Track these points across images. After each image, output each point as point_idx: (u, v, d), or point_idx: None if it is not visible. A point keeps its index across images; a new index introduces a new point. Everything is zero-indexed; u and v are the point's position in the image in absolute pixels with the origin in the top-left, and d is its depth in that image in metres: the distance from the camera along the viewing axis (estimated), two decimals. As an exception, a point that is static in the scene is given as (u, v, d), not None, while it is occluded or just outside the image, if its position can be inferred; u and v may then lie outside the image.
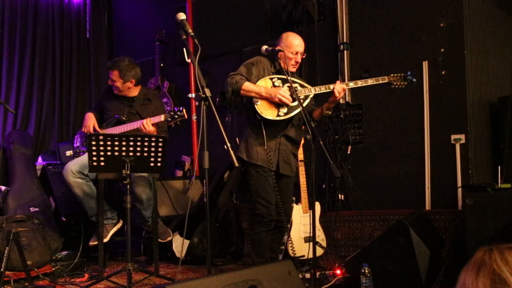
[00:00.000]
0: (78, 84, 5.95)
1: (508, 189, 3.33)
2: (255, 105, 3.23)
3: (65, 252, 3.91)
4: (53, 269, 3.65)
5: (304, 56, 3.44)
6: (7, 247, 3.16)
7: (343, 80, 4.22)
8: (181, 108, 3.60)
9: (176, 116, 3.58)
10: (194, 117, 5.16)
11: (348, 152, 4.22)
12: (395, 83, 3.27)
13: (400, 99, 4.00)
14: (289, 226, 3.82)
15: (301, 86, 3.32)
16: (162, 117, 3.61)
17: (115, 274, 3.51)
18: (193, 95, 5.12)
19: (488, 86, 4.07)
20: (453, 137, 3.74)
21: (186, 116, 3.62)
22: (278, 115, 3.24)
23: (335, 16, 4.30)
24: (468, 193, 3.21)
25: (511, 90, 3.97)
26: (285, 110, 3.25)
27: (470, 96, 3.75)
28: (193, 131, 5.24)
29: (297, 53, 3.37)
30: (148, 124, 3.63)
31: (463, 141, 3.70)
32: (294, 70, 3.42)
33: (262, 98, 3.23)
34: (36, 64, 5.57)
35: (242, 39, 4.90)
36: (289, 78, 3.15)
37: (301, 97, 3.26)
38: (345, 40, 4.25)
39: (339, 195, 4.22)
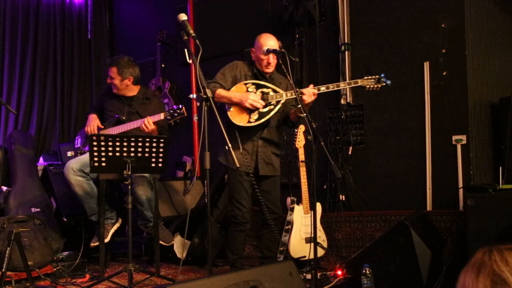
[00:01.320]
0: (79, 85, 5.96)
1: (510, 190, 3.32)
2: (227, 112, 3.28)
3: (66, 253, 3.92)
4: (54, 269, 3.66)
5: (278, 56, 3.36)
6: (8, 248, 3.16)
7: (344, 81, 4.21)
8: (180, 106, 3.60)
9: (176, 114, 3.59)
10: (195, 118, 5.16)
11: (349, 153, 4.22)
12: (368, 86, 3.26)
13: (401, 100, 4.00)
14: (290, 227, 3.83)
15: (274, 91, 3.34)
16: (161, 115, 3.62)
17: (116, 275, 3.51)
18: (195, 95, 5.12)
19: (489, 86, 4.06)
20: (454, 137, 3.74)
21: (185, 114, 3.62)
22: (249, 121, 3.29)
23: (336, 16, 4.30)
24: (469, 194, 3.20)
25: (512, 90, 3.97)
26: (256, 116, 3.28)
27: (471, 96, 3.75)
28: (194, 131, 5.25)
29: (268, 53, 3.35)
30: (149, 123, 3.63)
31: (464, 142, 3.70)
32: (269, 71, 3.41)
33: (234, 104, 3.27)
34: (37, 65, 5.58)
35: (243, 40, 4.89)
36: (290, 76, 3.14)
37: (273, 102, 3.30)
38: (346, 41, 4.25)
39: (340, 196, 4.22)
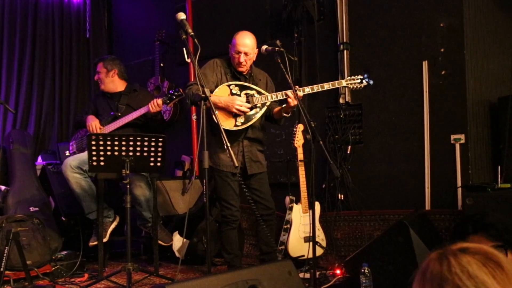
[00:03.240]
0: (78, 84, 5.95)
1: (508, 189, 3.32)
2: (213, 116, 3.21)
3: (65, 252, 3.91)
4: (53, 268, 3.65)
5: (249, 57, 3.33)
6: (7, 247, 3.16)
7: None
8: (177, 89, 3.64)
9: (174, 97, 3.63)
10: (194, 117, 5.16)
11: (348, 152, 4.22)
12: (352, 86, 3.32)
13: (400, 99, 4.00)
14: (288, 226, 3.83)
15: (258, 93, 3.33)
16: (160, 100, 3.67)
17: (115, 274, 3.51)
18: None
19: (488, 86, 4.06)
20: (453, 137, 3.74)
21: (184, 94, 3.64)
22: (235, 125, 3.28)
23: (335, 15, 4.30)
24: (468, 193, 3.20)
25: (511, 90, 3.97)
26: (242, 119, 3.29)
27: (470, 96, 3.75)
28: (193, 131, 5.24)
29: (239, 52, 3.31)
30: (158, 103, 3.66)
31: (463, 141, 3.70)
32: (241, 70, 3.38)
33: (219, 108, 3.23)
34: (36, 64, 5.57)
35: (242, 39, 4.89)
36: (289, 75, 3.13)
37: (258, 105, 3.29)
38: (345, 40, 4.25)
39: (339, 195, 4.22)
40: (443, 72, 3.81)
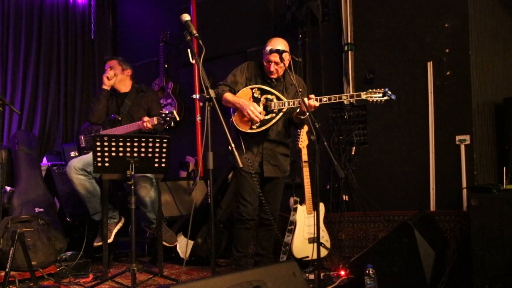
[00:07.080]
0: (82, 85, 5.97)
1: (514, 190, 3.31)
2: (232, 116, 3.35)
3: (70, 253, 3.93)
4: (58, 269, 3.67)
5: (280, 65, 3.31)
6: (12, 248, 3.17)
7: (347, 81, 4.22)
8: (171, 110, 3.75)
9: (168, 119, 3.69)
10: (198, 118, 5.17)
11: (353, 153, 4.21)
12: (372, 99, 3.13)
13: (404, 100, 3.99)
14: (293, 227, 3.83)
15: (278, 98, 3.33)
16: (155, 120, 3.74)
17: (119, 275, 3.51)
18: (198, 96, 5.13)
19: (493, 86, 4.05)
20: (458, 138, 3.73)
21: (178, 118, 3.76)
22: (251, 128, 3.31)
23: (339, 16, 4.30)
24: (473, 194, 3.19)
25: (516, 90, 3.96)
26: (257, 123, 3.30)
27: (475, 96, 3.74)
28: (198, 132, 5.25)
29: (269, 61, 3.32)
30: (148, 125, 3.74)
31: (468, 142, 3.69)
32: (273, 77, 3.39)
33: (238, 109, 3.31)
34: (41, 65, 5.59)
35: (246, 40, 4.90)
36: (293, 77, 3.12)
37: (275, 110, 3.30)
38: (349, 41, 4.24)
39: (343, 196, 4.21)
40: (448, 73, 3.80)
